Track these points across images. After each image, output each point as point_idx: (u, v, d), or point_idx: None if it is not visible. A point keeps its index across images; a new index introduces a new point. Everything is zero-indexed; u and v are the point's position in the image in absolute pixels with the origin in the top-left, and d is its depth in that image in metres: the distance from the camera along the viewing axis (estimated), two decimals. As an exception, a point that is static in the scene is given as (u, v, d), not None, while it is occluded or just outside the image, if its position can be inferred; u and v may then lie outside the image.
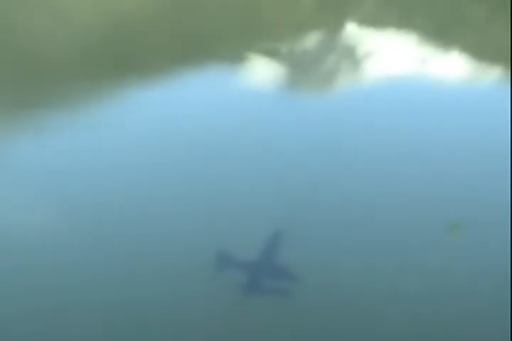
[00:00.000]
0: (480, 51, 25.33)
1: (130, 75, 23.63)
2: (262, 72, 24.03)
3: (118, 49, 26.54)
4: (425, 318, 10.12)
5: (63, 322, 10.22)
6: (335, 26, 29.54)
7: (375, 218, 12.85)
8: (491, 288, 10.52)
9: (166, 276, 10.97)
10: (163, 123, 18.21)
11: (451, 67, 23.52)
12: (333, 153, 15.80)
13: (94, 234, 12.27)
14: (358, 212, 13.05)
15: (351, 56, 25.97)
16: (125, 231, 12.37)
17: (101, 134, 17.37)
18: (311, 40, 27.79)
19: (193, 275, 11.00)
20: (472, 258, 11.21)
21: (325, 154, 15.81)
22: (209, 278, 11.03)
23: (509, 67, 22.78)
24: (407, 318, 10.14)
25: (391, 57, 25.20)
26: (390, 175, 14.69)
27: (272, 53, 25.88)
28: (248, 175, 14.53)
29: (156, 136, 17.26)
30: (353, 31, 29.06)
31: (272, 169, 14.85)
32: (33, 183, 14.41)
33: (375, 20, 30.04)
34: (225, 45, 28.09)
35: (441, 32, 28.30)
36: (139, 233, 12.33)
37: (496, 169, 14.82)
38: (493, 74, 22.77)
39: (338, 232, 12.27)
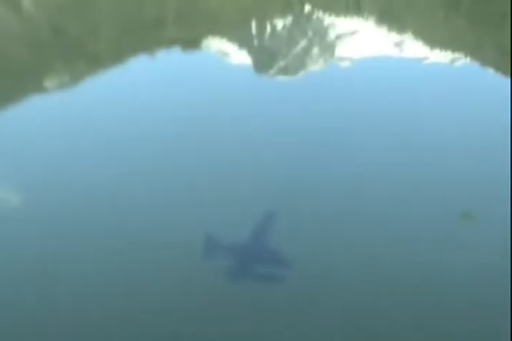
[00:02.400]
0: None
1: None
2: (232, 56, 23.84)
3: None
4: (423, 309, 9.87)
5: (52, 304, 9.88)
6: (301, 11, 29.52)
7: (367, 204, 12.52)
8: (492, 280, 10.27)
9: (153, 263, 10.56)
10: (130, 110, 17.88)
11: (422, 49, 23.53)
12: (312, 136, 15.50)
13: (76, 222, 11.93)
14: (347, 194, 12.74)
15: (321, 40, 25.90)
16: (108, 218, 11.98)
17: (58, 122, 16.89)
18: (280, 23, 27.56)
19: (181, 261, 10.64)
20: (474, 251, 10.94)
21: (303, 136, 15.51)
22: (197, 264, 10.69)
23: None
24: (403, 307, 9.88)
25: (361, 40, 25.15)
26: (369, 155, 14.44)
27: (238, 37, 25.70)
28: (232, 158, 14.17)
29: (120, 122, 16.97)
30: (320, 16, 29.02)
31: (255, 152, 14.53)
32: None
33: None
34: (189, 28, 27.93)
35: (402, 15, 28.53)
36: (123, 219, 11.94)
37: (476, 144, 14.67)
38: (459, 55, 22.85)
39: (332, 218, 11.97)
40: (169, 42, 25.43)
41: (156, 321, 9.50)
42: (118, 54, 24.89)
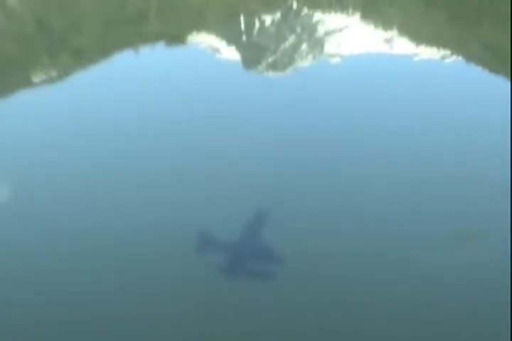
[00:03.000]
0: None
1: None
2: (221, 51, 23.71)
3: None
4: (414, 306, 9.84)
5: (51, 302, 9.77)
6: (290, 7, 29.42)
7: (357, 200, 12.50)
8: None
9: (147, 260, 10.45)
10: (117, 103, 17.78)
11: (410, 46, 23.54)
12: (302, 131, 15.43)
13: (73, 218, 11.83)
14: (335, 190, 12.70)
15: (310, 36, 25.80)
16: (103, 215, 11.86)
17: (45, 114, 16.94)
18: (269, 19, 27.46)
19: (175, 258, 10.56)
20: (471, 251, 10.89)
21: (294, 132, 15.44)
22: (191, 260, 10.60)
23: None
24: (393, 304, 9.87)
25: (350, 36, 25.12)
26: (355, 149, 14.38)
27: (226, 33, 25.58)
28: (221, 155, 14.07)
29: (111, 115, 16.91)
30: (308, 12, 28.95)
31: (245, 148, 14.45)
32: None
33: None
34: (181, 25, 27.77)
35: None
36: (118, 216, 11.83)
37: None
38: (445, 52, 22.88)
39: (323, 214, 11.91)
40: (154, 37, 25.41)
41: (149, 316, 9.41)
42: (102, 48, 24.78)
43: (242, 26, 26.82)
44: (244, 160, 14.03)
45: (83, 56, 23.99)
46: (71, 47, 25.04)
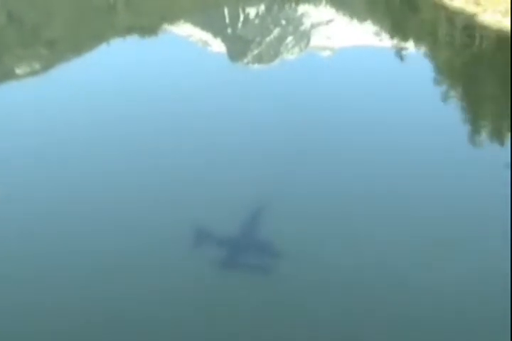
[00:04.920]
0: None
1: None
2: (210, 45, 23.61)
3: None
4: (413, 293, 9.78)
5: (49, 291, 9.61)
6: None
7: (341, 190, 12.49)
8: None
9: (145, 252, 10.32)
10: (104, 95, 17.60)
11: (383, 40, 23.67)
12: (288, 122, 15.32)
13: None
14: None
15: (296, 28, 25.76)
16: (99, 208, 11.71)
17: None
18: (254, 12, 27.35)
19: (173, 251, 10.41)
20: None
21: (280, 122, 15.33)
22: (188, 254, 10.46)
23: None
24: (393, 294, 9.78)
25: (338, 29, 25.13)
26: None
27: (214, 26, 25.47)
28: (208, 148, 13.91)
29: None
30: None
31: (231, 142, 14.34)
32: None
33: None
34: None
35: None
36: (116, 208, 11.69)
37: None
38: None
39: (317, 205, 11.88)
40: (127, 29, 25.25)
41: (147, 310, 9.23)
42: (74, 39, 24.69)
43: (227, 19, 26.64)
44: (236, 154, 13.91)
45: (55, 47, 23.78)
46: (43, 39, 24.81)
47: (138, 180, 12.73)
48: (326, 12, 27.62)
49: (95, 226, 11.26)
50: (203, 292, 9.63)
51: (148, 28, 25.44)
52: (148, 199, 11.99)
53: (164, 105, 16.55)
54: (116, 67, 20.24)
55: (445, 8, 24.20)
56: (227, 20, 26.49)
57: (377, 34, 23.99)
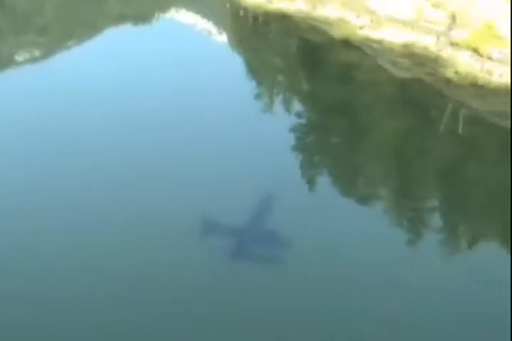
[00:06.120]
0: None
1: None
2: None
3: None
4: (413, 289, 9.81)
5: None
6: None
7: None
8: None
9: (153, 243, 10.28)
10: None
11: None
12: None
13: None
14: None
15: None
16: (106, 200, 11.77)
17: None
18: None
19: (181, 241, 10.39)
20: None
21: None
22: (197, 244, 10.47)
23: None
24: (397, 288, 9.82)
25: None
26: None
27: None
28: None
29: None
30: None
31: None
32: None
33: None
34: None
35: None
36: (123, 198, 11.76)
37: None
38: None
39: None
40: (118, 17, 25.14)
41: (154, 300, 9.34)
42: (66, 28, 24.61)
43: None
44: (247, 144, 14.06)
45: (47, 34, 23.58)
46: (35, 26, 24.48)
47: (146, 171, 12.70)
48: None
49: (103, 218, 11.22)
50: (212, 282, 9.69)
51: (142, 16, 25.43)
52: (155, 191, 11.97)
53: (171, 87, 16.78)
54: (115, 55, 20.10)
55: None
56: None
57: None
